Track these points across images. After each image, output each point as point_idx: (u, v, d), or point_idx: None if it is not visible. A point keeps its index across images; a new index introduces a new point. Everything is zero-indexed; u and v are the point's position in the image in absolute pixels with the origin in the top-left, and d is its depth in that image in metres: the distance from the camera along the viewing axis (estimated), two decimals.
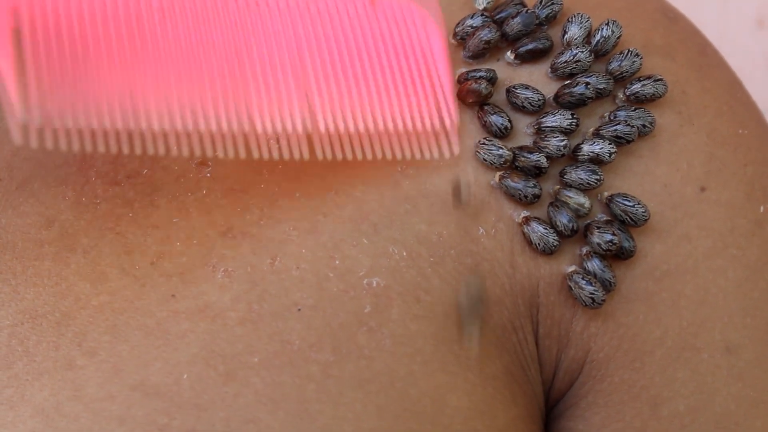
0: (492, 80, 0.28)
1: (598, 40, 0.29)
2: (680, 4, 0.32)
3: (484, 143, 0.28)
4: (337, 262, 0.26)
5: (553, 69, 0.29)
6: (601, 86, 0.28)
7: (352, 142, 0.27)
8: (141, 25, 0.26)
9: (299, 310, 0.26)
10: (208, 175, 0.28)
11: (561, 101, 0.28)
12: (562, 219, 0.27)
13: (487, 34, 0.29)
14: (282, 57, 0.27)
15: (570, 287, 0.27)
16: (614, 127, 0.28)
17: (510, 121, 0.28)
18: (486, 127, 0.28)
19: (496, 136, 0.28)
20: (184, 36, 0.26)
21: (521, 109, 0.28)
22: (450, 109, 0.28)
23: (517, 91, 0.28)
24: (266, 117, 0.26)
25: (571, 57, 0.28)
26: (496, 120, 0.28)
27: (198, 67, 0.26)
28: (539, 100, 0.28)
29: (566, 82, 0.29)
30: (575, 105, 0.28)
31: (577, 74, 0.29)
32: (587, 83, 0.28)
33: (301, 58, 0.27)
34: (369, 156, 0.27)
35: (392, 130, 0.27)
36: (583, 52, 0.28)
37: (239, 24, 0.27)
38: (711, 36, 0.32)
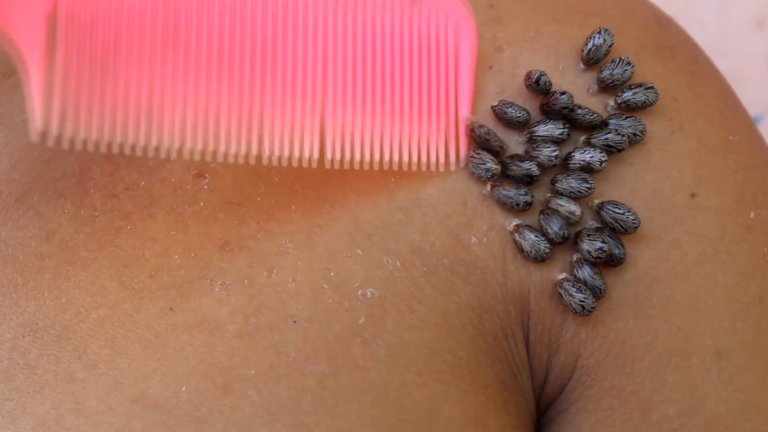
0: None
1: (590, 49, 0.29)
2: (680, 4, 0.32)
3: (473, 156, 0.28)
4: (332, 273, 0.27)
5: None
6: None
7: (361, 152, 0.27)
8: (175, 23, 0.26)
9: (295, 322, 0.26)
10: (206, 187, 0.28)
11: (548, 110, 0.28)
12: (554, 227, 0.28)
13: None
14: (303, 75, 0.27)
15: (560, 295, 0.28)
16: (605, 136, 0.28)
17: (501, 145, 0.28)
18: (475, 140, 0.28)
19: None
20: (211, 44, 0.26)
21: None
22: (459, 138, 0.28)
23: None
24: (277, 141, 0.26)
25: None
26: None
27: (219, 79, 0.26)
28: (525, 116, 0.28)
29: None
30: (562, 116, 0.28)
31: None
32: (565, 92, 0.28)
33: (323, 77, 0.27)
34: (374, 162, 0.27)
35: (399, 159, 0.28)
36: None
37: (271, 27, 0.27)
38: (711, 36, 0.32)
